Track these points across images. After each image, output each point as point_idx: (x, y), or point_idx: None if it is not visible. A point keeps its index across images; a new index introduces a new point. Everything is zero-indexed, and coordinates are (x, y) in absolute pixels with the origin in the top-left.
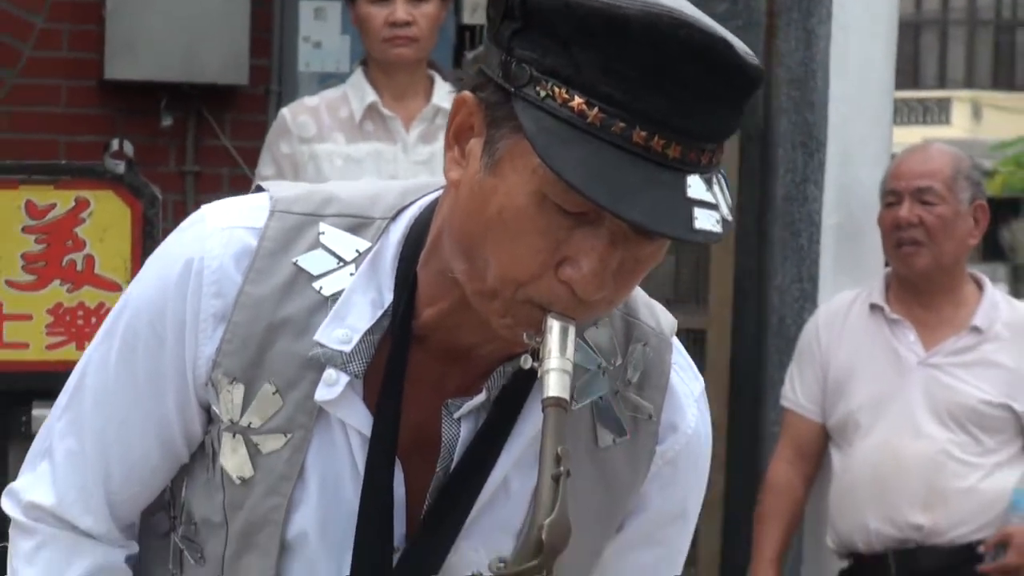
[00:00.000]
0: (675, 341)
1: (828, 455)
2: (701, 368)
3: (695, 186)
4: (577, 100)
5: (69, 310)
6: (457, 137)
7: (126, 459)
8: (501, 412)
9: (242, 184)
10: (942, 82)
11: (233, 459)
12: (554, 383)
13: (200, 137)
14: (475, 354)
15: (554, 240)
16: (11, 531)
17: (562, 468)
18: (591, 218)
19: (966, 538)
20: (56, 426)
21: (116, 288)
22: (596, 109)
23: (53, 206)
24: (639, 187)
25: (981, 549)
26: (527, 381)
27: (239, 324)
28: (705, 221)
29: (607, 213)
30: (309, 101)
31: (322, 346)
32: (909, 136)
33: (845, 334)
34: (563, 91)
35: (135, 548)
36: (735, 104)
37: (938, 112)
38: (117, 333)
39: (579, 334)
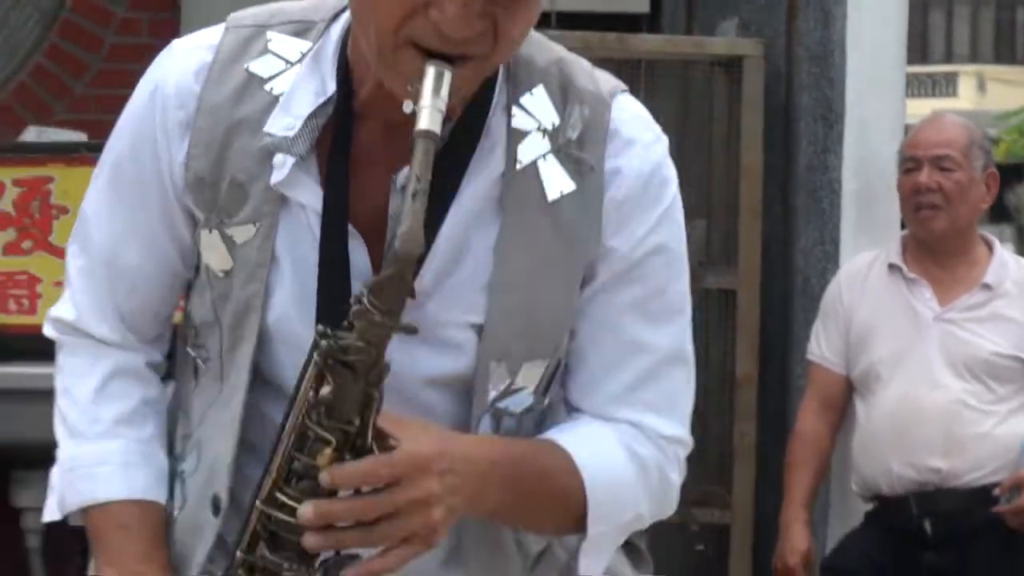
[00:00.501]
0: (623, 99)
1: (852, 406)
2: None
3: None
4: None
5: None
6: None
7: (126, 271)
8: (442, 175)
9: None
10: (949, 57)
11: (214, 255)
12: (425, 118)
13: None
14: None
15: None
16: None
17: (419, 186)
18: None
19: (981, 481)
20: (70, 250)
21: None
22: None
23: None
24: None
25: (996, 492)
26: (470, 137)
27: (201, 129)
28: None
29: None
30: None
31: (271, 135)
32: (920, 108)
33: (866, 292)
34: None
35: (157, 356)
36: None
37: (945, 85)
38: (107, 163)
39: (515, 101)
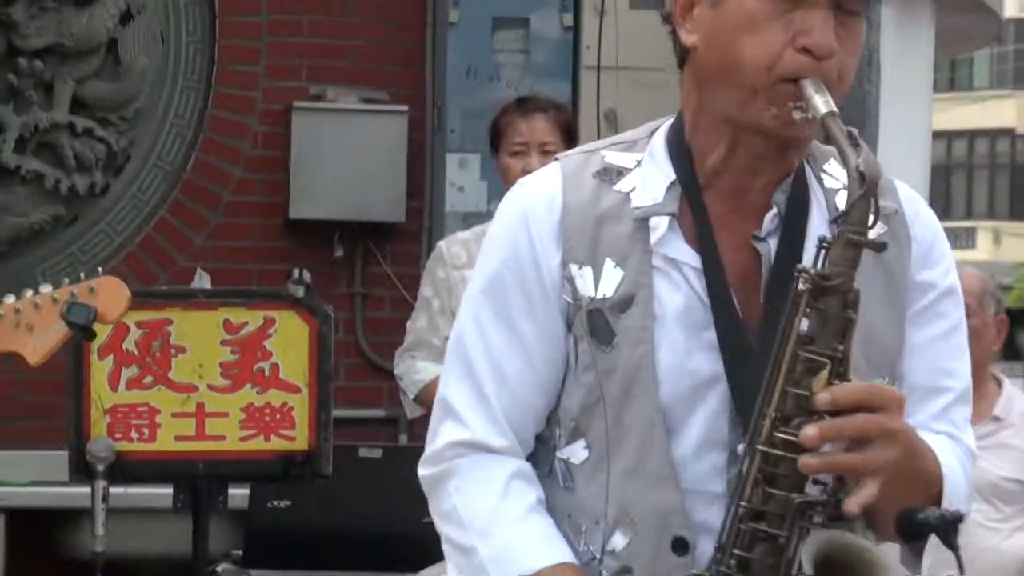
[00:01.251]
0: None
1: None
2: None
3: None
4: None
5: (258, 408)
6: (683, 16)
7: (511, 381)
8: (793, 214)
9: (401, 305)
10: (969, 214)
11: (599, 330)
12: (821, 105)
13: (366, 265)
14: (757, 188)
15: (784, 22)
16: (431, 488)
17: (852, 142)
18: (806, 2)
19: None
20: (448, 391)
21: (297, 391)
22: None
23: (245, 324)
24: None
25: None
26: (804, 195)
27: (571, 225)
28: None
29: None
30: (461, 235)
31: (640, 207)
32: None
33: None
34: None
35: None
36: None
37: (966, 239)
38: (478, 291)
39: (821, 170)
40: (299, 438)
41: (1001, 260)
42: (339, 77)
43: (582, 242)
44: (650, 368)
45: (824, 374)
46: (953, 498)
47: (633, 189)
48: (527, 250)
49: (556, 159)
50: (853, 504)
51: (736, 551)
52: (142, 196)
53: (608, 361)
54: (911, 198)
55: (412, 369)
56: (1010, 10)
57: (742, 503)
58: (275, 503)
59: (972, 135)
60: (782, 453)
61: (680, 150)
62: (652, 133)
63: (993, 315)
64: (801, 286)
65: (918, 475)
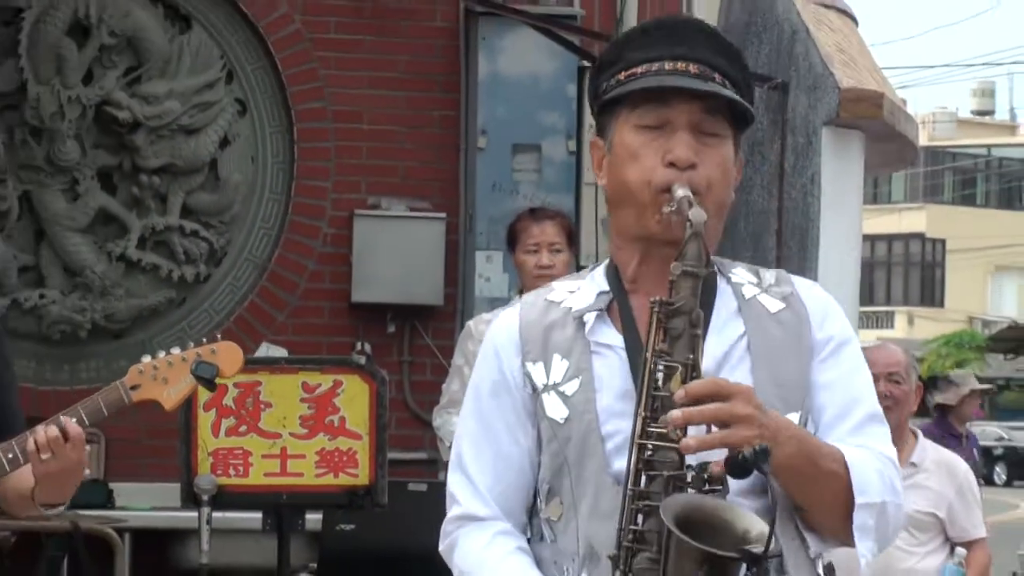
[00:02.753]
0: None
1: None
2: None
3: (710, 83)
4: (632, 69)
5: (329, 452)
6: (598, 167)
7: (490, 466)
8: (703, 309)
9: (438, 370)
10: (888, 301)
11: (554, 409)
12: (681, 192)
13: (411, 339)
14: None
15: (654, 148)
16: (446, 557)
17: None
18: (669, 128)
19: None
20: (449, 481)
21: (359, 438)
22: (643, 65)
23: (319, 385)
24: (676, 80)
25: None
26: (711, 288)
27: (526, 335)
28: (715, 88)
29: (672, 113)
30: (486, 316)
31: (575, 310)
32: (866, 336)
33: None
34: (623, 72)
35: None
36: (716, 44)
37: (886, 320)
38: (466, 406)
39: (728, 273)
40: (361, 475)
41: (914, 337)
42: (391, 191)
43: (535, 346)
44: (596, 431)
45: (678, 377)
46: (864, 487)
47: (574, 302)
48: (495, 366)
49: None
50: (693, 441)
51: (632, 527)
52: (236, 284)
53: (564, 430)
54: (806, 284)
55: (448, 423)
56: (922, 139)
57: (630, 488)
58: (342, 527)
59: (891, 238)
60: (656, 443)
61: (610, 267)
62: (595, 267)
63: (914, 382)
64: (656, 311)
65: (819, 471)
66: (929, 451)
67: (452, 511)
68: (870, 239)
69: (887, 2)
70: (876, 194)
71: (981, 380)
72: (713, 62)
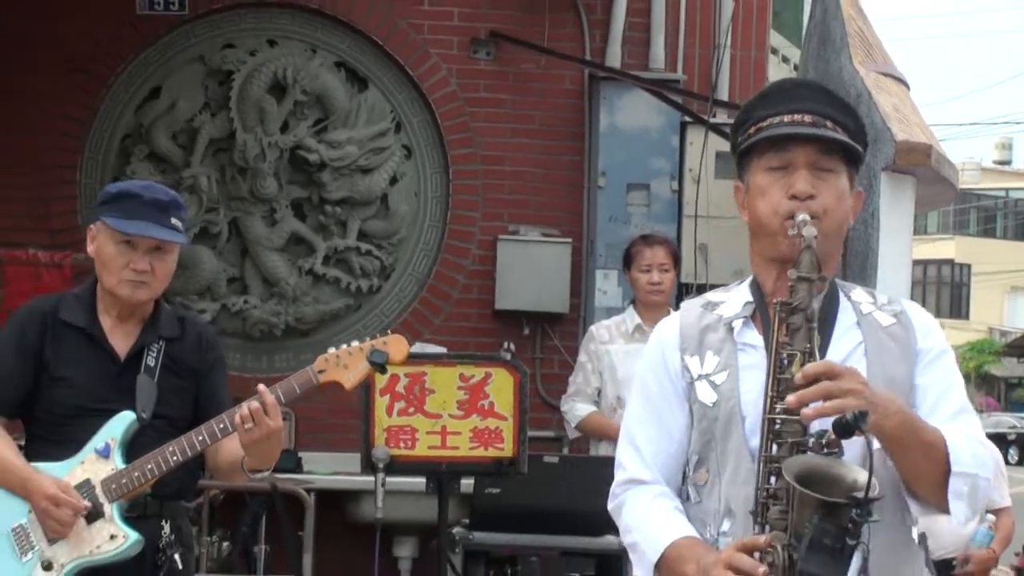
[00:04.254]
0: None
1: None
2: None
3: (823, 129)
4: (759, 124)
5: (481, 430)
6: (741, 206)
7: (653, 438)
8: (824, 320)
9: (565, 366)
10: None
11: (705, 394)
12: (807, 231)
13: (543, 339)
14: None
15: (780, 185)
16: (615, 515)
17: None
18: (791, 168)
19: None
20: (619, 452)
21: (505, 419)
22: (767, 120)
23: (473, 376)
24: (792, 128)
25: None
26: (833, 300)
27: (685, 334)
28: (825, 132)
29: (793, 156)
30: (605, 322)
31: (725, 317)
32: None
33: None
34: (753, 127)
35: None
36: (827, 99)
37: None
38: (635, 391)
39: (848, 293)
40: (507, 449)
41: None
42: (527, 220)
43: (692, 343)
44: (738, 413)
45: (798, 361)
46: (959, 458)
47: (724, 311)
48: (660, 358)
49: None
50: (810, 410)
51: (766, 487)
52: (401, 294)
53: (712, 412)
54: (912, 305)
55: (573, 409)
56: None
57: (763, 454)
58: (490, 490)
59: (926, 263)
60: (782, 416)
61: (753, 283)
62: (741, 282)
63: None
64: (780, 309)
65: (921, 441)
66: None
67: (619, 476)
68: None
69: (934, 71)
70: (915, 227)
71: (998, 379)
72: (824, 111)
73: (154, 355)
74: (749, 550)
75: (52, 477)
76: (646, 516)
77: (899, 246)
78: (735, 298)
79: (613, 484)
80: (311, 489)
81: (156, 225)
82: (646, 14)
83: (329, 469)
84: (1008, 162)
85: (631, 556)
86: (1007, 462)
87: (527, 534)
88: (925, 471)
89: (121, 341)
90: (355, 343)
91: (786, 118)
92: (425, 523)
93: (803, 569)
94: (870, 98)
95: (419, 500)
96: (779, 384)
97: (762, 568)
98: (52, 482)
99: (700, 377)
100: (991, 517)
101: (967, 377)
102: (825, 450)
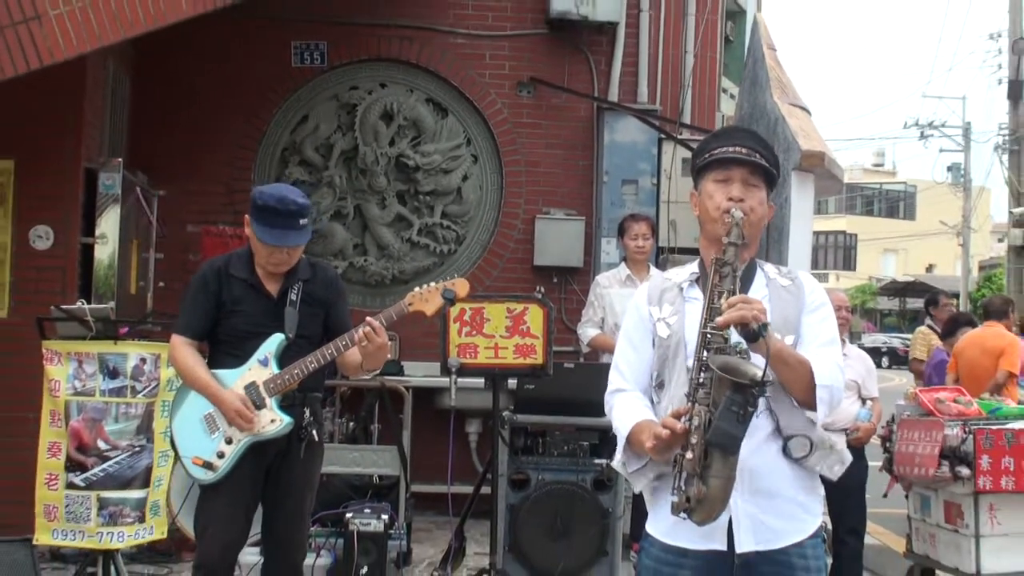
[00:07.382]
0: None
1: None
2: None
3: (753, 156)
4: (712, 151)
5: (520, 345)
6: (695, 204)
7: (633, 362)
8: (744, 276)
9: (580, 302)
10: (824, 267)
11: (662, 330)
12: (734, 213)
13: (566, 285)
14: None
15: (722, 191)
16: (609, 413)
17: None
18: (730, 180)
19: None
20: (611, 373)
21: (537, 338)
22: (718, 150)
23: (515, 309)
24: (734, 154)
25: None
26: (752, 269)
27: (652, 295)
28: (755, 158)
29: (732, 173)
30: (606, 273)
31: (677, 282)
32: None
33: None
34: (708, 153)
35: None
36: (756, 139)
37: (822, 279)
38: (624, 331)
39: (762, 267)
40: (539, 358)
41: (838, 287)
42: (556, 203)
43: (655, 298)
44: (683, 342)
45: (725, 296)
46: (821, 375)
47: (677, 279)
48: (636, 311)
49: (654, 267)
50: (721, 318)
51: (697, 378)
52: (470, 255)
53: (667, 342)
54: (805, 274)
55: (585, 332)
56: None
57: (696, 357)
58: (528, 386)
59: (827, 233)
60: (711, 331)
61: (700, 261)
62: (692, 262)
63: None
64: (716, 265)
65: (796, 360)
66: (851, 348)
67: (609, 388)
68: (816, 234)
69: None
70: (818, 208)
71: (875, 311)
72: (754, 146)
73: (295, 293)
74: (678, 416)
75: (235, 393)
76: (623, 410)
77: (804, 222)
78: (685, 272)
79: (606, 393)
80: (409, 386)
81: (288, 231)
82: (635, 65)
83: (421, 373)
84: (882, 165)
85: (617, 437)
86: (878, 367)
87: (552, 416)
88: (797, 380)
89: (272, 285)
90: (433, 284)
91: (730, 148)
92: (484, 409)
93: (718, 425)
94: (784, 121)
95: (480, 393)
96: (711, 312)
97: (680, 425)
98: (236, 398)
99: (659, 320)
100: (870, 403)
101: (854, 310)
102: (738, 354)
